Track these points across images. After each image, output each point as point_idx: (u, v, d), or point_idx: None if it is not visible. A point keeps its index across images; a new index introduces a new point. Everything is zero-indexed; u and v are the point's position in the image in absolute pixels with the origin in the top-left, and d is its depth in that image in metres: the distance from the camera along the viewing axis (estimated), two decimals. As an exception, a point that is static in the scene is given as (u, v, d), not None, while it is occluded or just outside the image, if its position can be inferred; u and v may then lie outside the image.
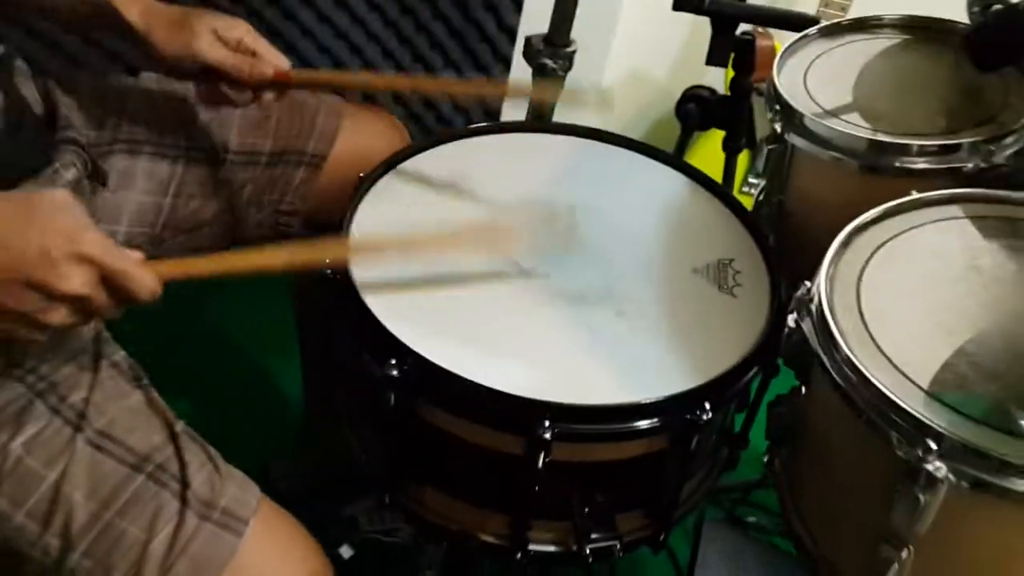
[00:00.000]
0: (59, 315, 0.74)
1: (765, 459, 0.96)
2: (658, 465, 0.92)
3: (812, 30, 1.14)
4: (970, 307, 0.81)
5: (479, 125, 1.15)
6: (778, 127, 1.02)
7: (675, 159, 1.13)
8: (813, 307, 0.82)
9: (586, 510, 0.93)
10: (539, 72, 1.34)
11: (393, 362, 0.86)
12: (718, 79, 2.13)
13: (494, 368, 0.86)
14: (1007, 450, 0.69)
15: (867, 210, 0.94)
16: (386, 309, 0.89)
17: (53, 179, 0.97)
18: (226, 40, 1.02)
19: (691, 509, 1.02)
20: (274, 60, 1.04)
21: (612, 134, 1.14)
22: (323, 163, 1.17)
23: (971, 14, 1.02)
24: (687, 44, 2.28)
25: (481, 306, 0.93)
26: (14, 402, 0.81)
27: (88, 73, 1.19)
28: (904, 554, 0.76)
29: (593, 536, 0.94)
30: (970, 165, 0.93)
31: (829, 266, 0.84)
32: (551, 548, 0.95)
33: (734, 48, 1.30)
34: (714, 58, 1.31)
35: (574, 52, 1.34)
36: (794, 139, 1.01)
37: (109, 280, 0.75)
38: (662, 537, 0.99)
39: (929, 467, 0.69)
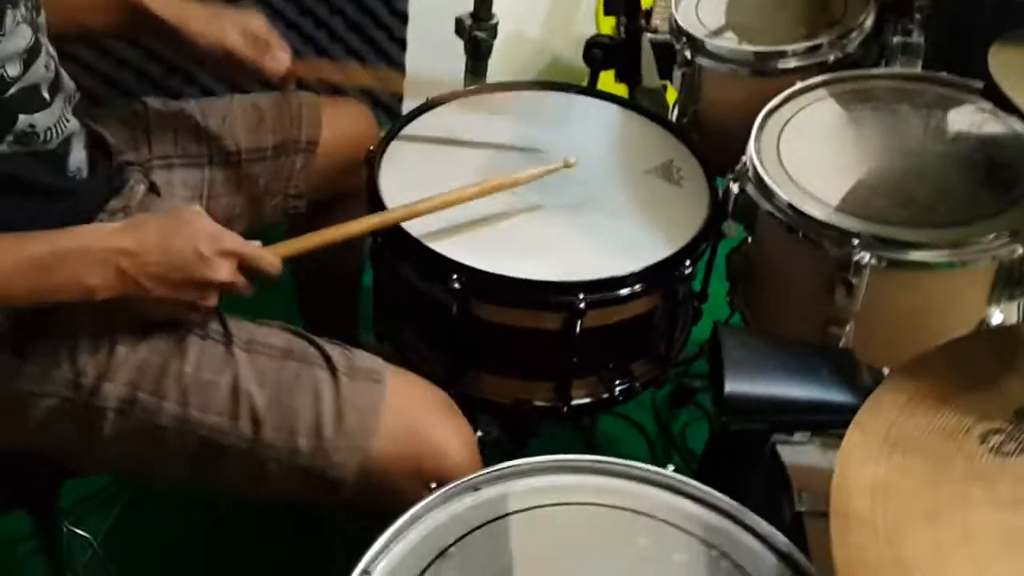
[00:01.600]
0: (214, 299, 0.99)
1: (728, 298, 1.28)
2: (657, 318, 1.22)
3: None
4: (852, 151, 1.15)
5: (445, 94, 1.40)
6: (688, 54, 1.33)
7: (606, 94, 1.43)
8: (750, 174, 1.14)
9: (609, 364, 1.23)
10: (472, 45, 1.60)
11: (455, 277, 1.12)
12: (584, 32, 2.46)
13: (530, 266, 1.13)
14: (903, 235, 1.03)
15: (762, 104, 1.27)
16: (437, 242, 1.15)
17: (130, 196, 1.17)
18: (248, 33, 1.21)
19: (678, 354, 1.33)
20: (283, 52, 1.25)
21: (555, 82, 1.43)
22: (316, 148, 1.39)
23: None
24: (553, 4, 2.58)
25: (502, 228, 1.20)
26: (171, 336, 1.02)
27: (107, 104, 1.38)
28: (847, 328, 1.09)
29: (617, 383, 1.24)
30: (831, 58, 1.28)
31: (755, 142, 1.16)
32: (588, 399, 1.24)
33: (625, -2, 1.59)
34: (610, 8, 1.60)
35: (497, 23, 1.61)
36: (701, 61, 1.33)
37: (246, 265, 0.99)
38: (663, 378, 1.30)
39: (856, 257, 1.02)
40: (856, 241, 1.02)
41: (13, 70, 0.94)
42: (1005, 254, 1.01)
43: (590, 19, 2.52)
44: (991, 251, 1.01)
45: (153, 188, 1.24)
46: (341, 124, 1.42)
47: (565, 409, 1.24)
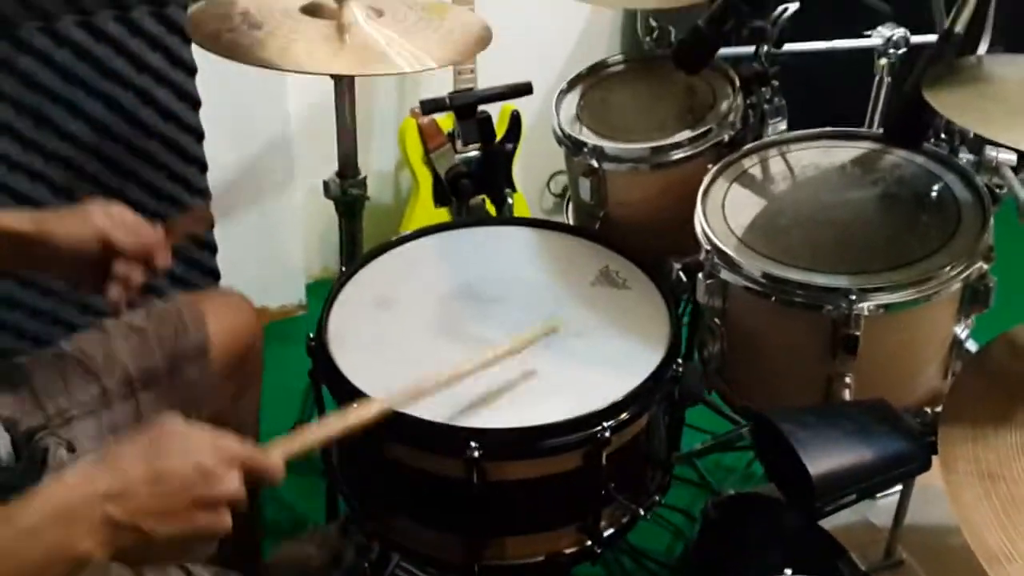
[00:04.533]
0: (228, 518, 0.79)
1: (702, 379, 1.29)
2: (658, 424, 1.20)
3: (563, 86, 1.49)
4: (795, 215, 1.21)
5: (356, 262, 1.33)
6: (594, 163, 1.35)
7: (511, 219, 1.42)
8: (717, 259, 1.16)
9: (628, 485, 1.18)
10: (346, 205, 1.54)
11: (472, 445, 1.04)
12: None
13: (539, 411, 1.07)
14: (884, 280, 1.08)
15: (666, 194, 1.31)
16: (439, 415, 1.06)
17: (58, 465, 0.99)
18: (115, 217, 1.07)
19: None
20: (150, 232, 1.10)
21: (464, 219, 1.39)
22: (207, 352, 1.25)
23: (649, 42, 1.45)
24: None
25: (490, 382, 1.12)
26: None
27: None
28: (848, 380, 1.13)
29: (637, 502, 1.19)
30: (725, 137, 1.34)
31: (707, 228, 1.18)
32: (613, 529, 1.18)
33: (479, 126, 1.59)
34: (467, 138, 1.59)
35: (366, 177, 1.55)
36: (606, 166, 1.35)
37: (252, 473, 0.81)
38: (668, 480, 1.27)
39: (856, 311, 1.06)
40: (852, 296, 1.06)
41: None
42: (973, 273, 1.09)
43: (385, 155, 2.51)
44: (961, 275, 1.09)
45: (70, 447, 1.06)
46: (226, 321, 1.30)
47: (597, 547, 1.17)
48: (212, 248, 2.10)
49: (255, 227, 2.27)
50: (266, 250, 2.34)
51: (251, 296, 1.36)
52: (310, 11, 1.39)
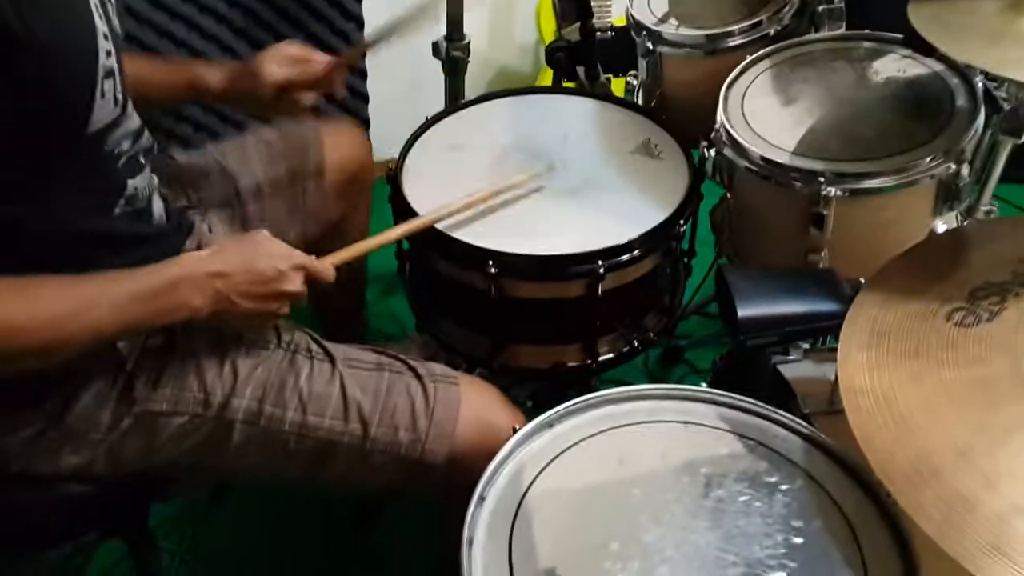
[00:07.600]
0: (287, 307, 1.15)
1: (716, 247, 1.49)
2: (660, 274, 1.42)
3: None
4: (804, 106, 1.37)
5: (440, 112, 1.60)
6: (649, 45, 1.54)
7: (581, 91, 1.63)
8: (724, 138, 1.34)
9: (626, 321, 1.43)
10: (450, 64, 1.79)
11: (490, 263, 1.31)
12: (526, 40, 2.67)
13: (552, 243, 1.32)
14: (857, 168, 1.24)
15: (717, 79, 1.48)
16: (469, 236, 1.33)
17: (199, 235, 1.34)
18: (285, 58, 1.36)
19: (680, 308, 1.53)
20: (321, 59, 1.39)
21: (533, 87, 1.62)
22: (324, 171, 1.56)
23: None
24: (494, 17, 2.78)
25: (521, 215, 1.39)
26: (284, 359, 1.20)
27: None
28: (823, 253, 1.30)
29: (635, 336, 1.44)
30: (771, 31, 1.49)
31: (723, 111, 1.37)
32: (612, 354, 1.44)
33: (576, 5, 1.79)
34: (566, 16, 1.79)
35: (469, 42, 1.80)
36: (662, 48, 1.54)
37: (309, 276, 1.15)
38: (672, 326, 1.50)
39: (824, 192, 1.23)
40: (821, 179, 1.23)
41: (127, 145, 1.11)
42: (941, 172, 1.22)
43: (528, 28, 2.73)
44: (929, 171, 1.23)
45: (210, 228, 1.41)
46: (341, 147, 1.59)
47: (594, 365, 1.43)
48: (364, 98, 2.44)
49: (403, 80, 2.57)
50: (412, 100, 2.64)
51: (397, 143, 1.64)
52: None
